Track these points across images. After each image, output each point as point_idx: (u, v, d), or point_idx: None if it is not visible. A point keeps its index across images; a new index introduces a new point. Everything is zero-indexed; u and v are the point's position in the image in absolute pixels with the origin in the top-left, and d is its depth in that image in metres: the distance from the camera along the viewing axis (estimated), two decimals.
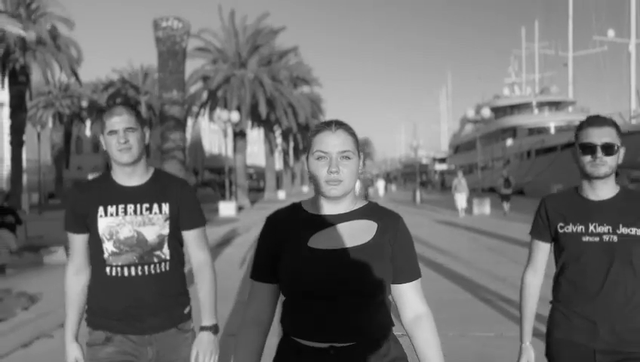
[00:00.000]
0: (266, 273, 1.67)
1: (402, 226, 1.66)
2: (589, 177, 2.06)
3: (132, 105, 2.13)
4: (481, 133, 45.45)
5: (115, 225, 2.04)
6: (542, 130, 39.05)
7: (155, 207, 2.10)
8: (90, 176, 42.90)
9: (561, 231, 2.11)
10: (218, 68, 29.52)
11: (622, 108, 31.35)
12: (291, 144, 47.50)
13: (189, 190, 2.20)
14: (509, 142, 40.67)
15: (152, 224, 2.07)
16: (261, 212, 22.85)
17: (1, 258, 8.87)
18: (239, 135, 29.71)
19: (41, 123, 37.39)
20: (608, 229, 2.03)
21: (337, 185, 1.56)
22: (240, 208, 25.40)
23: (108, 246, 2.05)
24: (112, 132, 2.04)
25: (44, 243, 11.05)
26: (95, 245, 2.08)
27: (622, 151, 2.06)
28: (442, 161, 79.50)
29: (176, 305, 2.15)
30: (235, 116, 23.99)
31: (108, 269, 2.05)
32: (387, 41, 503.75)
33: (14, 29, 16.67)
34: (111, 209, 2.06)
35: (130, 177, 2.12)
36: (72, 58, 28.33)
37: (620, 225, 2.02)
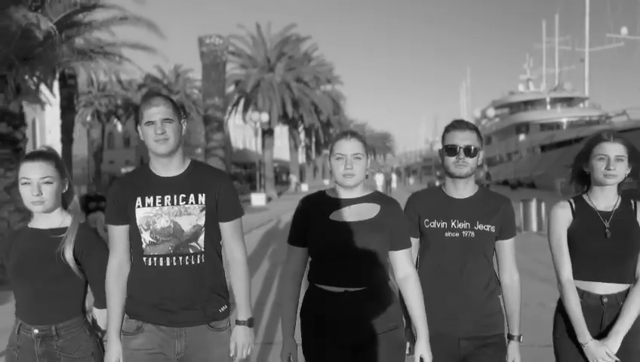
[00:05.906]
0: (299, 239, 2.19)
1: (398, 208, 2.16)
2: (453, 176, 2.21)
3: (169, 97, 2.14)
4: (496, 129, 47.00)
5: (152, 215, 2.04)
6: (554, 126, 40.01)
7: (192, 197, 2.07)
8: (124, 170, 45.17)
9: (426, 226, 2.24)
10: (249, 72, 31.94)
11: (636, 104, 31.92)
12: (314, 140, 49.57)
13: (226, 181, 2.18)
14: (522, 137, 41.64)
15: (188, 214, 2.05)
16: (287, 203, 24.98)
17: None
18: (267, 132, 32.10)
19: (83, 121, 40.38)
20: (467, 225, 2.17)
21: (351, 177, 2.08)
22: (269, 199, 27.90)
23: (145, 237, 2.05)
24: (150, 123, 2.02)
25: None
26: (134, 236, 2.08)
27: (481, 153, 2.21)
28: None
29: (211, 301, 2.10)
30: (265, 117, 26.53)
31: (145, 259, 2.05)
32: (409, 37, 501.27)
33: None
34: (148, 200, 2.06)
35: (167, 168, 2.10)
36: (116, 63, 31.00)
37: (477, 222, 2.17)
